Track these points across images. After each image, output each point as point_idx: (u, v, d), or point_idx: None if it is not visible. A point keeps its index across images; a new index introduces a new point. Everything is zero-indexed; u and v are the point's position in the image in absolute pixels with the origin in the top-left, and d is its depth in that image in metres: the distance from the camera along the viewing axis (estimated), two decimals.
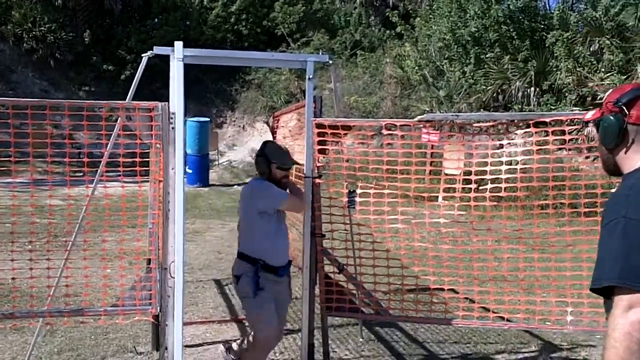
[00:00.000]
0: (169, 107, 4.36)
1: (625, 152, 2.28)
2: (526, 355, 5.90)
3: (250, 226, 4.53)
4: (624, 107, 2.24)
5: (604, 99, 2.40)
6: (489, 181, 4.85)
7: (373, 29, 22.84)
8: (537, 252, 4.89)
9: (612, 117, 2.27)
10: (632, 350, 1.98)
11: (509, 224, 5.29)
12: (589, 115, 2.44)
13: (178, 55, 4.29)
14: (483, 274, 5.16)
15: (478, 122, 4.96)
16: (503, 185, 4.76)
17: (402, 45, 20.29)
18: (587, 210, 4.66)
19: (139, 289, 4.53)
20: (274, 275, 4.49)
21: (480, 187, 5.03)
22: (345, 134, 5.01)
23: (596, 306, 4.96)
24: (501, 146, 4.89)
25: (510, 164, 4.80)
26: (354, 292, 5.22)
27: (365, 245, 5.22)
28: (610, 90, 2.47)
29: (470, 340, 6.22)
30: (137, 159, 4.62)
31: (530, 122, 4.86)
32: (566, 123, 4.52)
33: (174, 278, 4.19)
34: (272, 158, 4.54)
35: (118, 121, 4.57)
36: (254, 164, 5.01)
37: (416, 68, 18.63)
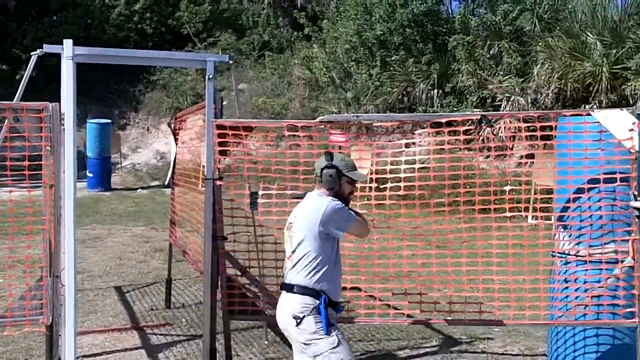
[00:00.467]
0: (60, 108, 4.19)
1: None
2: (427, 350, 6.03)
3: (315, 252, 3.76)
4: None
5: None
6: (389, 180, 4.92)
7: (281, 30, 22.87)
8: (434, 249, 5.00)
9: None
10: None
11: (411, 222, 5.39)
12: None
13: (68, 53, 4.12)
14: (385, 272, 5.22)
15: (379, 122, 5.03)
16: (402, 184, 4.86)
17: (310, 47, 20.40)
18: (481, 207, 4.81)
19: (29, 299, 4.32)
20: (333, 311, 3.82)
21: (382, 187, 5.10)
22: (247, 135, 4.97)
23: (492, 300, 5.18)
24: (407, 145, 4.97)
25: (414, 163, 4.90)
26: (258, 294, 5.18)
27: (269, 247, 5.19)
28: None
29: (374, 338, 6.31)
30: (26, 163, 4.40)
31: (429, 122, 4.97)
32: (467, 123, 4.67)
33: (64, 286, 4.01)
34: (344, 171, 3.94)
35: (5, 123, 4.35)
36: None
37: (324, 70, 18.77)
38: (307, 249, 3.75)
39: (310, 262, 3.74)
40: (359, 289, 5.12)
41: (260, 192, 4.97)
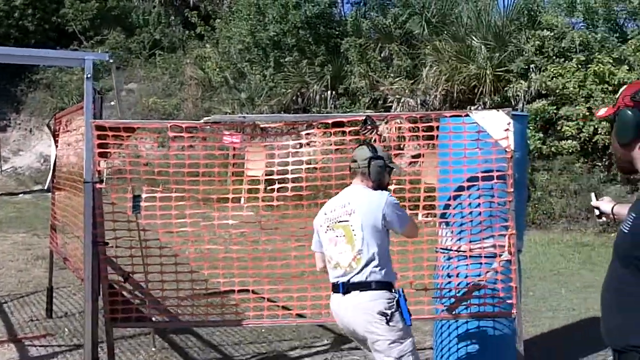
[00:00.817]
0: None
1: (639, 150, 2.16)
2: (319, 349, 6.05)
3: (381, 247, 3.70)
4: None
5: (619, 93, 2.28)
6: (277, 182, 4.90)
7: (173, 29, 22.34)
8: None
9: (629, 112, 2.16)
10: None
11: (298, 223, 5.38)
12: (602, 112, 2.31)
13: None
14: (274, 273, 5.19)
15: (268, 123, 4.99)
16: (292, 185, 4.85)
17: (203, 47, 20.08)
18: None
19: None
20: None
21: (270, 188, 5.07)
22: (129, 136, 4.80)
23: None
24: (301, 146, 4.96)
25: (302, 164, 4.89)
26: (143, 300, 5.02)
27: (154, 251, 5.04)
28: (626, 85, 2.36)
29: (266, 340, 6.27)
30: None
31: (317, 122, 4.98)
32: (360, 124, 4.73)
33: None
34: (388, 161, 3.89)
35: None
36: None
37: (217, 70, 18.53)
38: (373, 244, 3.65)
39: (379, 257, 3.65)
40: (247, 291, 5.06)
41: (144, 195, 4.82)
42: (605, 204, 3.06)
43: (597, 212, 3.11)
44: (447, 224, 4.93)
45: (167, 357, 5.72)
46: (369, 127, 4.51)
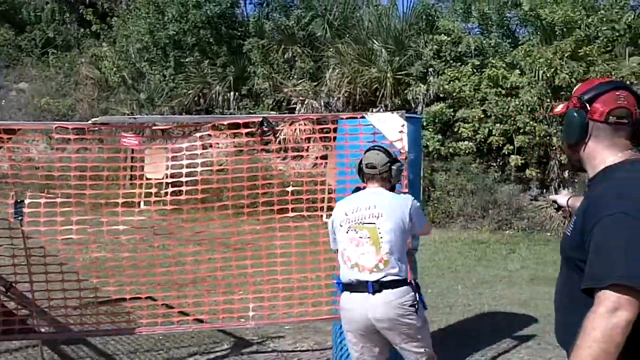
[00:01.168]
0: None
1: (589, 150, 2.17)
2: (218, 354, 5.93)
3: (403, 247, 3.90)
4: (587, 104, 2.16)
5: (573, 92, 2.27)
6: (175, 184, 4.77)
7: (68, 26, 21.42)
8: (219, 253, 4.93)
9: (575, 113, 2.18)
10: (610, 353, 1.84)
11: (195, 227, 5.26)
12: (558, 109, 2.32)
13: None
14: (170, 279, 5.05)
15: (165, 124, 4.84)
16: (184, 188, 4.73)
17: (99, 45, 19.38)
18: (280, 207, 4.83)
19: None
20: None
21: (167, 191, 4.92)
22: (9, 139, 4.53)
23: (275, 299, 5.24)
24: (203, 147, 4.83)
25: (200, 167, 4.78)
26: (29, 311, 4.75)
27: (38, 259, 4.77)
28: (580, 84, 2.33)
29: (164, 347, 6.07)
30: None
31: (210, 125, 4.88)
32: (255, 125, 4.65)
33: None
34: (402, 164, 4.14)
35: None
36: None
37: (114, 69, 17.94)
38: (400, 246, 3.85)
39: (404, 257, 3.86)
40: (140, 298, 4.90)
41: (27, 201, 4.56)
42: (562, 197, 3.08)
43: (555, 205, 3.16)
44: None
45: None
46: (266, 129, 4.46)
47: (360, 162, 4.06)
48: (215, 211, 5.00)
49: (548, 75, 12.60)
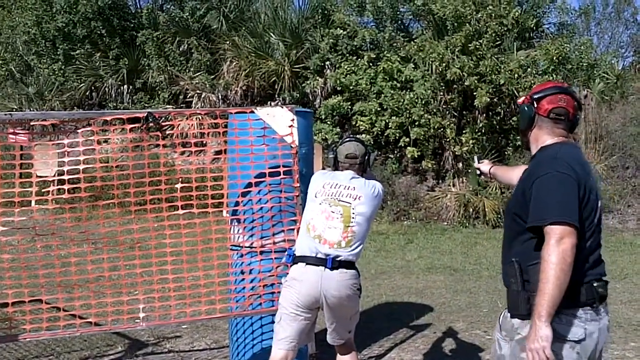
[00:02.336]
0: None
1: (534, 133, 2.90)
2: (112, 357, 5.74)
3: (365, 234, 4.07)
4: (535, 101, 2.85)
5: (532, 90, 2.99)
6: (53, 183, 4.56)
7: None
8: (106, 252, 4.76)
9: (526, 107, 2.90)
10: (565, 270, 2.52)
11: (80, 226, 5.05)
12: (520, 100, 3.00)
13: None
14: (51, 281, 4.83)
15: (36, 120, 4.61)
16: (67, 186, 4.53)
17: None
18: (169, 205, 4.71)
19: None
20: None
21: (48, 190, 4.71)
22: None
23: (166, 299, 5.11)
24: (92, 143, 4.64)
25: (82, 164, 4.58)
26: None
27: None
28: (537, 84, 3.09)
29: (54, 352, 5.82)
30: None
31: (94, 120, 4.70)
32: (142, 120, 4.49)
33: None
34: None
35: None
36: None
37: (0, 62, 17.02)
38: (365, 231, 4.01)
39: (362, 242, 4.00)
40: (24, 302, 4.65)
41: None
42: (485, 166, 3.88)
43: (478, 172, 3.91)
44: (238, 220, 4.90)
45: None
46: (151, 124, 4.34)
47: (334, 153, 4.24)
48: (101, 210, 4.81)
49: (440, 69, 12.97)
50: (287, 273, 4.15)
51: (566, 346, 2.65)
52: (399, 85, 13.62)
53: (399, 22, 15.11)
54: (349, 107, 13.90)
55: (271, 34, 14.82)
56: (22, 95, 16.77)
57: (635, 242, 11.12)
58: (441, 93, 13.37)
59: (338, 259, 3.90)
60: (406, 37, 14.48)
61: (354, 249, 3.96)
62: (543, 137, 2.88)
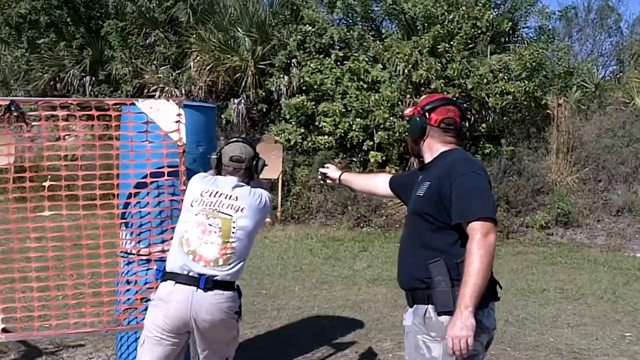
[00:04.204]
0: None
1: (426, 144, 3.04)
2: None
3: (247, 249, 3.68)
4: (426, 112, 3.01)
5: (418, 102, 3.13)
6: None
7: None
8: None
9: (417, 118, 3.02)
10: (490, 263, 2.70)
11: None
12: (407, 111, 3.15)
13: None
14: None
15: None
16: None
17: None
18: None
19: None
20: None
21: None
22: None
23: (30, 309, 4.66)
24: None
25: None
26: None
27: None
28: (424, 96, 3.38)
29: None
30: None
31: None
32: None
33: None
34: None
35: None
36: None
37: None
38: (247, 247, 3.61)
39: (240, 258, 3.55)
40: None
41: None
42: (333, 172, 3.85)
43: (320, 176, 3.85)
44: (126, 225, 4.45)
45: None
46: (14, 113, 3.89)
47: (218, 154, 3.75)
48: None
49: (407, 70, 12.52)
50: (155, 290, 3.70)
51: (484, 335, 2.83)
52: (365, 86, 13.17)
53: (370, 20, 14.64)
54: (313, 107, 13.43)
55: (238, 29, 14.33)
56: None
57: (599, 260, 10.66)
58: (408, 96, 12.91)
59: (213, 278, 3.47)
60: (377, 37, 14.00)
61: (232, 268, 3.53)
62: (436, 145, 3.03)
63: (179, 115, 4.17)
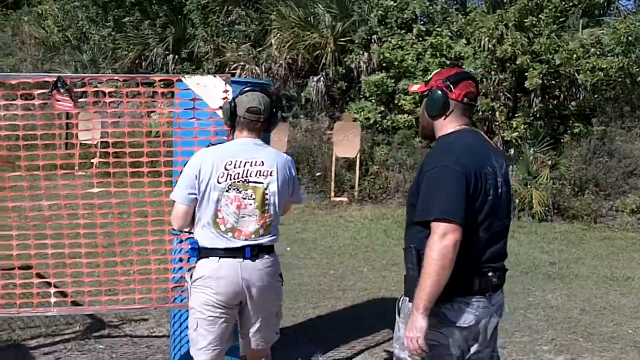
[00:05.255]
0: None
1: (444, 120, 2.84)
2: (65, 337, 5.45)
3: (280, 213, 3.56)
4: (451, 85, 2.79)
5: (432, 76, 2.90)
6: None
7: None
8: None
9: (439, 92, 2.79)
10: (445, 266, 2.58)
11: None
12: (415, 87, 3.00)
13: None
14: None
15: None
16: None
17: (42, 3, 18.56)
18: None
19: None
20: None
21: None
22: None
23: (98, 284, 4.75)
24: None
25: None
26: None
27: None
28: (438, 70, 3.08)
29: (8, 327, 5.58)
30: None
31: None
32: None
33: None
34: None
35: None
36: None
37: (58, 28, 17.18)
38: (279, 209, 3.44)
39: (277, 220, 3.46)
40: None
41: None
42: None
43: None
44: None
45: None
46: (61, 89, 3.89)
47: (232, 106, 3.42)
48: (7, 181, 4.41)
49: (490, 45, 11.98)
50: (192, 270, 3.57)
51: (455, 331, 2.76)
52: (448, 62, 12.72)
53: None
54: (394, 84, 13.10)
55: (318, 5, 14.13)
56: (78, 62, 16.89)
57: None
58: (493, 72, 12.36)
59: (258, 245, 3.37)
60: (461, 11, 13.48)
61: (272, 234, 3.43)
62: (449, 124, 2.85)
63: (225, 92, 4.05)
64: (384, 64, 13.30)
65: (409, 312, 2.74)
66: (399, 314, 2.90)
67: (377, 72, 13.26)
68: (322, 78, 13.82)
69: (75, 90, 3.86)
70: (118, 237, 4.63)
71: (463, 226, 2.60)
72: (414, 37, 13.04)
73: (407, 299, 2.81)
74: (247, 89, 3.43)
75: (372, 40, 13.60)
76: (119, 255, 4.57)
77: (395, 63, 12.93)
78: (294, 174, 3.52)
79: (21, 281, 4.43)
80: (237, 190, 3.32)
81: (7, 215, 4.41)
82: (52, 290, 4.38)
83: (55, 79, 3.86)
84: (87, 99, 4.00)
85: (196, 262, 3.45)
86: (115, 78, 4.01)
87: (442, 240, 2.57)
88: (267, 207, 3.36)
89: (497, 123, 12.60)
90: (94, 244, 4.59)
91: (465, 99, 2.82)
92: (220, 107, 3.49)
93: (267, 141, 3.62)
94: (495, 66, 12.43)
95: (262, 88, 3.48)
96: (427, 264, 2.59)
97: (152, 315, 5.95)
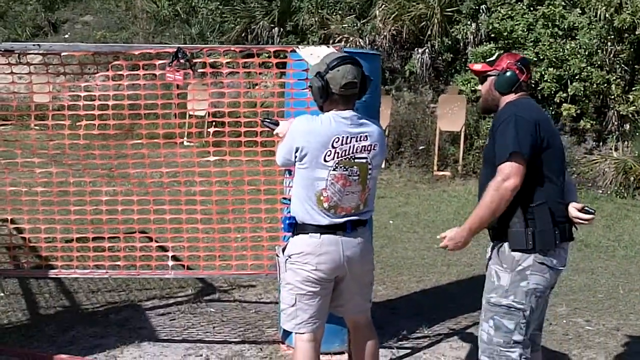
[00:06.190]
0: None
1: (508, 96, 3.22)
2: (178, 299, 5.70)
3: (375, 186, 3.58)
4: (523, 68, 3.22)
5: (499, 58, 3.28)
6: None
7: None
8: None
9: (512, 73, 3.19)
10: (501, 206, 2.96)
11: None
12: (478, 67, 3.33)
13: None
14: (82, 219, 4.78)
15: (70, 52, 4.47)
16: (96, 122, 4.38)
17: None
18: None
19: None
20: None
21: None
22: None
23: (211, 250, 4.92)
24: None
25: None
26: None
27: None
28: (503, 53, 3.43)
29: (126, 289, 5.90)
30: None
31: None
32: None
33: None
34: None
35: None
36: None
37: (168, 2, 17.71)
38: (376, 181, 3.45)
39: (374, 192, 3.49)
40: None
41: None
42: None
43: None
44: (290, 172, 4.48)
45: (10, 303, 5.37)
46: (182, 60, 4.01)
47: (322, 81, 3.23)
48: (129, 149, 4.61)
49: (607, 15, 11.33)
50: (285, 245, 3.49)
51: (551, 272, 3.10)
52: (560, 33, 12.16)
53: None
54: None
55: None
56: (186, 35, 17.35)
57: None
58: (609, 44, 11.72)
59: (357, 220, 3.37)
60: None
61: (370, 207, 3.48)
62: (509, 99, 3.23)
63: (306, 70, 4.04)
64: (492, 35, 12.88)
65: (514, 261, 3.07)
66: (499, 264, 3.13)
67: (485, 43, 12.87)
68: (427, 50, 13.57)
69: (193, 60, 3.96)
70: (232, 204, 4.77)
71: (527, 163, 2.96)
72: (524, 7, 12.54)
73: (508, 249, 3.08)
74: (334, 62, 3.24)
75: (481, 10, 13.19)
76: (231, 222, 4.71)
77: (505, 34, 12.49)
78: (385, 145, 3.47)
79: (141, 244, 4.63)
80: (344, 168, 3.25)
81: (128, 181, 4.62)
82: (170, 254, 4.56)
83: (175, 50, 3.97)
84: (205, 69, 4.10)
85: (292, 237, 3.41)
86: (233, 49, 4.06)
87: (504, 182, 2.93)
88: (368, 182, 3.35)
89: (612, 97, 11.96)
90: (208, 210, 4.75)
91: (529, 81, 3.38)
92: (309, 87, 3.29)
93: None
94: (612, 37, 11.77)
95: (350, 57, 3.32)
96: (487, 198, 2.98)
97: (260, 282, 6.10)
